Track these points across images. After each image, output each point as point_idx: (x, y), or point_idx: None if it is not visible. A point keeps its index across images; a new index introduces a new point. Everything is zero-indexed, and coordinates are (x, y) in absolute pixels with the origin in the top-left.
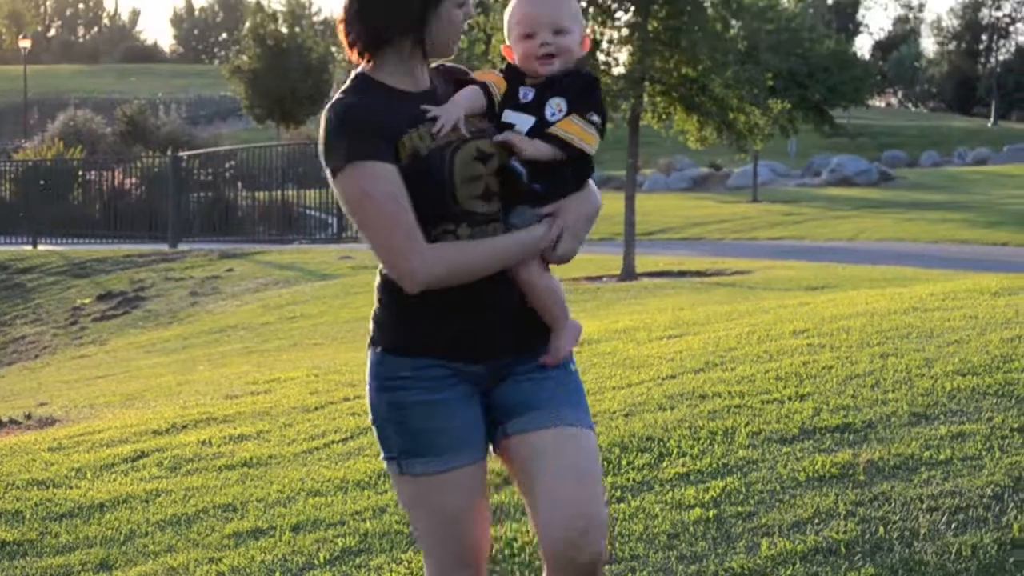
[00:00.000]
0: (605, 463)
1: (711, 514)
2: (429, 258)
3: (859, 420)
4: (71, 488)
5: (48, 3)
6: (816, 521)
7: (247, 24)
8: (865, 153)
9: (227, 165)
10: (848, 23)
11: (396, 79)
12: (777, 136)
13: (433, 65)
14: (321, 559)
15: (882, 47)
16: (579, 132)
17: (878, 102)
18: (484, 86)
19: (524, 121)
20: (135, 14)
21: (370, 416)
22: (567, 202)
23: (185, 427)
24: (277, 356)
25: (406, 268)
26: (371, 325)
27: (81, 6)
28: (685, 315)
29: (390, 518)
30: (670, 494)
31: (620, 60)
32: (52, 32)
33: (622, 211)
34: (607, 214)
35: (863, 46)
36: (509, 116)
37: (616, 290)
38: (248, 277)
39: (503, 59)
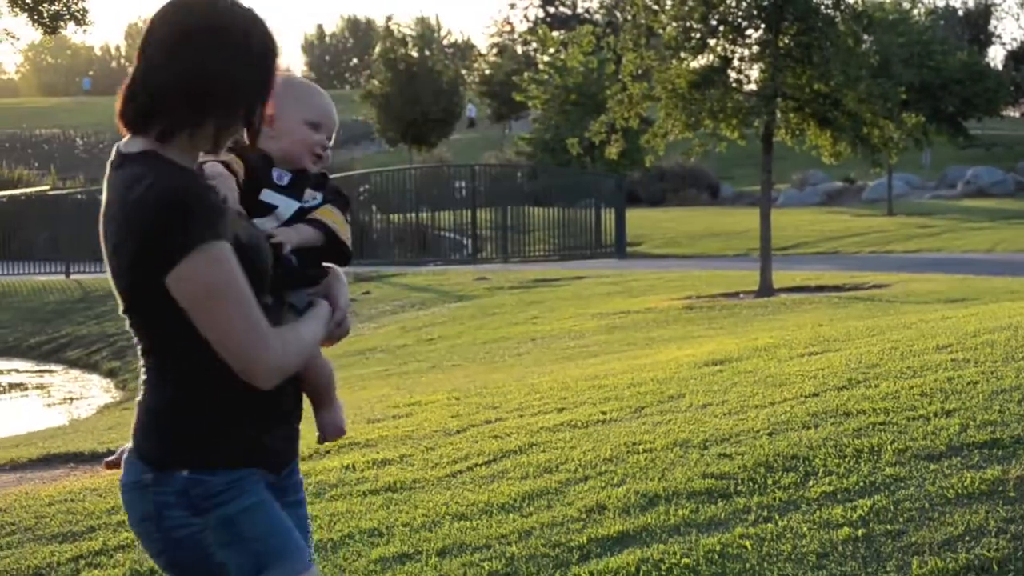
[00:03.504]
0: (750, 482)
1: (860, 533)
2: (282, 346)
3: (1007, 436)
4: None
5: None
6: (967, 539)
7: (377, 49)
8: (1000, 163)
9: (361, 189)
10: (980, 34)
11: (183, 159)
12: (911, 148)
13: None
14: None
15: (1015, 57)
16: (341, 224)
17: (1012, 112)
18: (222, 161)
19: (288, 204)
20: None
21: (168, 559)
22: (332, 282)
23: (328, 452)
24: (416, 378)
25: (267, 359)
26: (152, 446)
27: None
28: (825, 331)
29: (536, 541)
30: (817, 513)
31: (752, 77)
32: None
33: (757, 227)
34: (742, 229)
35: (996, 57)
36: (271, 197)
37: (754, 306)
38: (385, 300)
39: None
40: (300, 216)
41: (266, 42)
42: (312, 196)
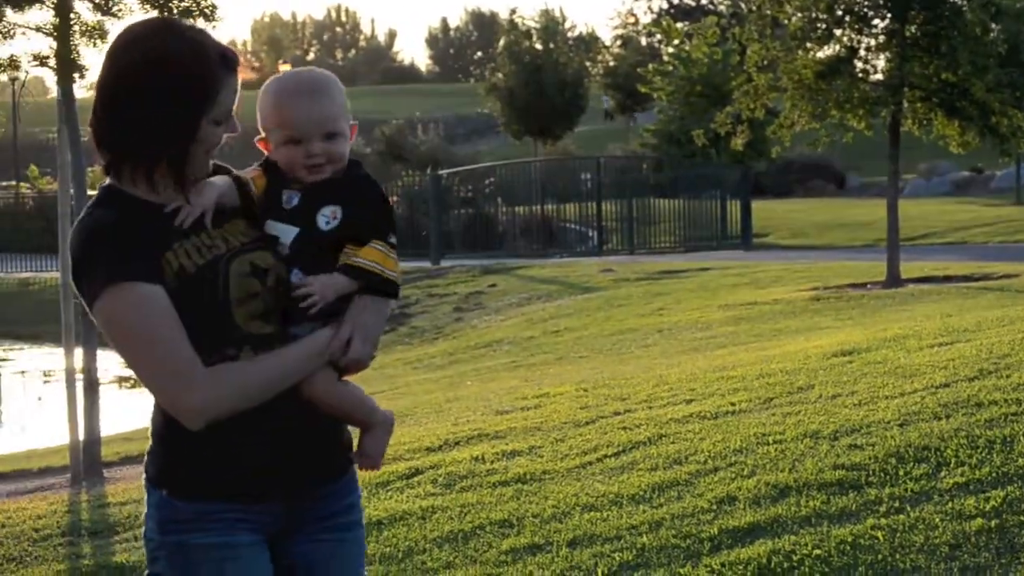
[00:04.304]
0: (882, 473)
1: (993, 524)
2: (211, 386)
3: None
4: None
5: (307, 28)
6: None
7: (502, 42)
8: None
9: (487, 181)
10: None
11: (145, 193)
12: None
13: None
14: (599, 574)
15: None
16: (383, 259)
17: None
18: (238, 180)
19: (288, 232)
20: (392, 35)
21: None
22: (355, 301)
23: (458, 444)
24: (544, 370)
25: (187, 402)
26: (149, 462)
27: (339, 30)
28: (955, 322)
29: (666, 532)
30: (950, 504)
31: (878, 67)
32: (311, 56)
33: (884, 217)
34: (869, 220)
35: None
36: (273, 228)
37: (881, 297)
38: (511, 292)
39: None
40: (307, 241)
41: (177, 78)
42: (332, 215)
